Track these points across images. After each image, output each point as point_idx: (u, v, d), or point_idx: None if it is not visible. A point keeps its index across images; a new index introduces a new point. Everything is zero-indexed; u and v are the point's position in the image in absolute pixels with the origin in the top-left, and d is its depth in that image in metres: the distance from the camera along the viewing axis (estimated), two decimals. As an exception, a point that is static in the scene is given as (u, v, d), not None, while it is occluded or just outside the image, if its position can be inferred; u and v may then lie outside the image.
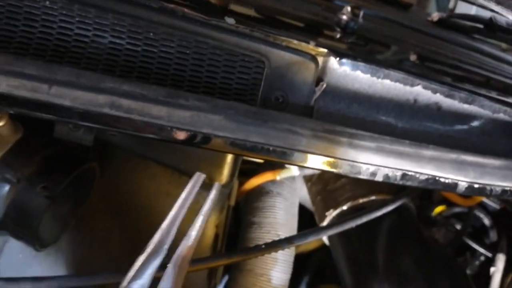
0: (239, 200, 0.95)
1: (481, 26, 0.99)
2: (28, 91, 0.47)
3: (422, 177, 0.59)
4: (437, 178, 0.60)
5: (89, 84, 0.48)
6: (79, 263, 0.81)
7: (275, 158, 0.54)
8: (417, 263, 0.73)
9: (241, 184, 0.94)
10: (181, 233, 0.48)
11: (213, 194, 0.47)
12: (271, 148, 0.53)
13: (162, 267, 0.43)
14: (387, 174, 0.58)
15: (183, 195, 0.45)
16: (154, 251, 0.43)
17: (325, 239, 0.87)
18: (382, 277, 0.70)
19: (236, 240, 0.93)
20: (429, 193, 1.17)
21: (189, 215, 0.48)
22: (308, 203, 1.00)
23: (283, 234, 0.87)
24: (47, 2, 0.53)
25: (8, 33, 0.52)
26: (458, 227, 1.14)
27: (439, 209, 1.16)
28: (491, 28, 0.97)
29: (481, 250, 1.11)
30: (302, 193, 0.99)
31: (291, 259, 0.87)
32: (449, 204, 1.15)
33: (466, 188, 0.62)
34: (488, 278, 1.06)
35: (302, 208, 1.02)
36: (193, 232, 0.45)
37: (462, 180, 0.61)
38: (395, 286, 0.69)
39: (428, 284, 0.70)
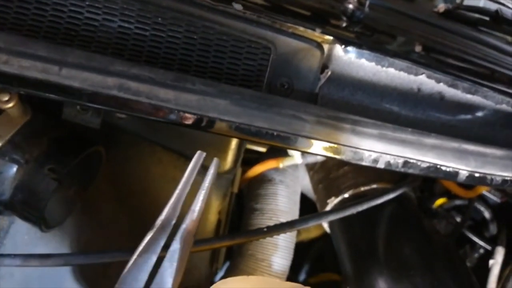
0: (242, 187, 0.96)
1: (487, 18, 1.00)
2: (39, 72, 0.48)
3: (424, 165, 0.60)
4: (438, 166, 0.61)
5: (98, 66, 0.49)
6: (84, 245, 0.82)
7: (279, 143, 0.55)
8: (417, 251, 0.74)
9: (244, 172, 0.96)
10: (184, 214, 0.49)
11: (212, 168, 0.48)
12: (275, 133, 0.54)
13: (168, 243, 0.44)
14: (389, 161, 0.59)
15: (187, 172, 0.47)
16: (161, 227, 0.44)
17: (326, 226, 0.88)
18: (382, 264, 0.71)
19: (239, 226, 0.95)
20: (430, 185, 1.18)
21: (190, 198, 0.49)
22: (310, 192, 1.01)
23: (285, 220, 0.88)
24: (58, -14, 0.53)
25: (21, 16, 0.53)
26: (459, 219, 1.15)
27: (440, 201, 1.16)
28: (497, 20, 0.97)
29: (481, 242, 1.12)
30: (304, 182, 1.00)
31: (292, 245, 0.89)
32: (450, 196, 1.16)
33: (467, 177, 0.63)
34: (487, 270, 1.07)
35: (304, 198, 1.03)
36: (197, 207, 0.46)
37: (463, 169, 0.62)
38: (395, 273, 0.70)
39: (428, 271, 0.71)
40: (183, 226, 0.45)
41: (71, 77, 0.49)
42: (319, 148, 0.57)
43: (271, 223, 0.86)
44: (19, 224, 0.79)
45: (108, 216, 0.84)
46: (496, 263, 1.06)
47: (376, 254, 0.72)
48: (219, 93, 0.53)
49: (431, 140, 0.59)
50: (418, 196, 1.14)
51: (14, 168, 0.63)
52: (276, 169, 0.93)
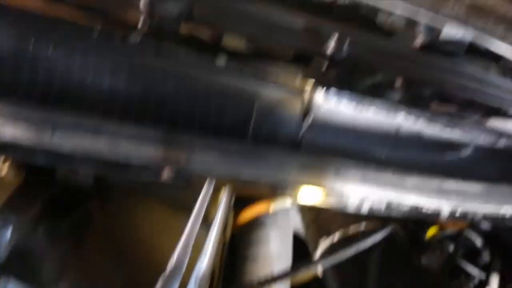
0: (234, 233, 0.97)
1: (462, 49, 1.04)
2: (31, 138, 0.50)
3: (407, 206, 0.62)
4: (420, 207, 0.63)
5: (89, 129, 0.52)
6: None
7: (266, 191, 0.57)
8: (403, 283, 0.74)
9: (236, 214, 0.96)
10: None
11: (224, 199, 0.48)
12: (261, 182, 0.56)
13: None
14: (372, 203, 0.61)
15: (196, 207, 0.47)
16: (173, 271, 0.44)
17: (319, 270, 0.89)
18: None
19: (232, 274, 0.94)
20: (422, 218, 1.20)
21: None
22: (302, 231, 1.02)
23: (278, 266, 0.89)
24: (50, 50, 0.56)
25: (14, 80, 0.56)
26: (452, 248, 1.16)
27: (432, 232, 1.18)
28: (472, 51, 1.02)
29: (475, 271, 1.13)
30: (296, 222, 1.01)
31: None
32: (442, 226, 1.18)
33: (450, 215, 0.65)
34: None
35: (297, 237, 1.04)
36: (209, 248, 0.46)
37: (445, 208, 0.64)
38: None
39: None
40: (197, 269, 0.44)
41: (63, 142, 0.51)
42: (305, 194, 0.58)
43: (263, 271, 0.86)
44: (15, 285, 0.78)
45: (103, 271, 0.84)
46: (492, 292, 1.07)
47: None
48: (206, 147, 0.55)
49: (412, 181, 0.62)
50: (411, 229, 1.15)
51: (9, 231, 0.64)
52: (267, 213, 0.94)
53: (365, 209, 0.60)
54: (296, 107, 0.64)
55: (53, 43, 0.56)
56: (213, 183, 0.50)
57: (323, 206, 0.60)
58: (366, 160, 0.61)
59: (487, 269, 1.13)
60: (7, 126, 0.50)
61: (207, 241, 0.47)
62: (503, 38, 0.53)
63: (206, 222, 0.86)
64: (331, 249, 0.82)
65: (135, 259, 0.85)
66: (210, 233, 0.48)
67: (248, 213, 0.94)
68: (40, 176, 0.67)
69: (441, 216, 0.64)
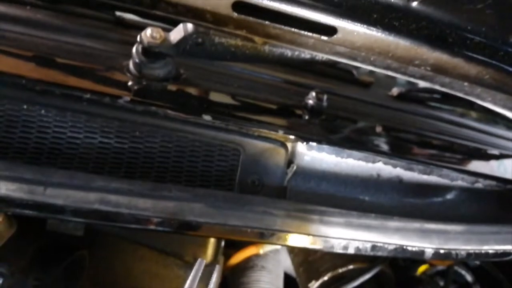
0: (225, 275, 0.98)
1: (438, 96, 1.10)
2: (25, 194, 0.52)
3: (391, 247, 0.64)
4: (404, 247, 0.65)
5: (80, 184, 0.54)
6: None
7: (254, 239, 0.59)
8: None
9: (227, 256, 0.97)
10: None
11: (194, 270, 0.50)
12: (249, 230, 0.58)
13: None
14: (358, 247, 0.63)
15: (188, 282, 0.48)
16: None
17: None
18: None
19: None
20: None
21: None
22: (293, 271, 1.03)
23: (269, 307, 0.90)
24: (43, 111, 0.59)
25: (8, 140, 0.58)
26: (442, 284, 1.17)
27: (422, 268, 1.19)
28: (447, 97, 1.07)
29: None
30: (286, 263, 1.02)
31: None
32: (432, 263, 1.19)
33: (433, 254, 0.67)
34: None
35: (288, 276, 1.05)
36: None
37: (428, 247, 0.66)
38: None
39: None
40: None
41: (55, 196, 0.53)
42: (291, 240, 0.60)
43: (255, 312, 0.87)
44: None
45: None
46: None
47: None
48: (194, 197, 0.57)
49: (394, 223, 0.64)
50: (401, 265, 1.16)
51: (0, 281, 0.65)
52: (257, 255, 0.96)
53: (351, 250, 0.62)
54: (280, 157, 0.67)
55: (45, 105, 0.59)
56: (204, 262, 0.52)
57: (311, 248, 0.62)
58: (349, 204, 0.63)
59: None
60: (1, 183, 0.52)
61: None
62: (468, 94, 0.57)
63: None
64: (321, 290, 0.83)
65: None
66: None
67: (239, 255, 0.96)
68: (31, 227, 0.68)
69: (425, 256, 0.66)
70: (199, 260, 0.50)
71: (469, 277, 1.19)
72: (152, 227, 0.56)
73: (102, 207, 0.54)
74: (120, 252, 0.83)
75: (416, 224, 0.66)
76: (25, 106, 0.59)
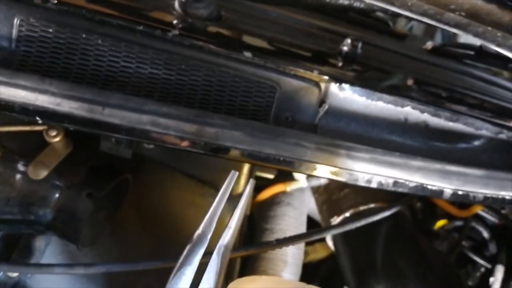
0: (253, 210, 1.05)
1: (472, 53, 1.10)
2: (86, 112, 0.59)
3: (412, 184, 0.69)
4: (424, 185, 0.69)
5: (134, 106, 0.60)
6: (112, 259, 0.90)
7: (285, 167, 0.65)
8: (411, 263, 0.81)
9: (254, 197, 1.05)
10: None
11: (248, 189, 0.56)
12: (281, 159, 0.64)
13: (206, 255, 0.51)
14: (380, 181, 0.68)
15: (222, 189, 0.54)
16: (198, 240, 0.51)
17: (331, 244, 0.96)
18: (380, 275, 0.79)
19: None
20: (431, 207, 1.26)
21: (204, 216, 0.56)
22: (315, 214, 1.10)
23: (293, 238, 0.97)
24: (99, 41, 0.65)
25: (68, 65, 0.65)
26: (458, 238, 1.22)
27: (440, 223, 1.24)
28: (481, 54, 1.08)
29: (481, 261, 1.18)
30: (310, 205, 1.09)
31: (300, 262, 0.96)
32: (450, 218, 1.24)
33: (451, 195, 0.71)
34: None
35: (310, 220, 1.12)
36: (233, 223, 0.53)
37: (447, 187, 0.70)
38: (390, 283, 0.78)
39: (420, 281, 0.78)
40: (221, 241, 0.51)
41: (112, 116, 0.60)
42: (319, 171, 0.66)
43: (280, 240, 0.95)
44: (54, 245, 0.88)
45: (133, 239, 0.93)
46: (496, 281, 1.13)
47: (375, 267, 0.80)
48: (234, 125, 0.63)
49: (417, 162, 0.69)
50: (419, 218, 1.21)
51: (57, 194, 0.73)
52: (284, 193, 1.02)
53: (374, 184, 0.67)
54: (313, 96, 0.71)
55: (102, 35, 0.64)
56: (237, 173, 0.57)
57: (336, 184, 0.67)
58: (376, 145, 0.67)
59: (493, 261, 1.19)
60: (65, 101, 0.59)
61: (232, 218, 0.54)
62: (500, 45, 0.59)
63: (231, 200, 0.95)
64: (343, 223, 0.89)
65: (164, 229, 0.94)
66: (235, 210, 0.55)
67: (267, 192, 1.03)
68: (85, 147, 0.76)
69: (444, 195, 0.70)
70: (232, 171, 0.55)
71: (486, 234, 1.23)
72: (196, 149, 0.62)
73: (153, 128, 0.60)
74: (160, 179, 0.91)
75: (438, 165, 0.70)
76: (84, 35, 0.65)
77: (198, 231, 0.52)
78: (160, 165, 0.88)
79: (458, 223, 1.24)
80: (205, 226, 0.53)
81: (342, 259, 0.89)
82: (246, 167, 0.91)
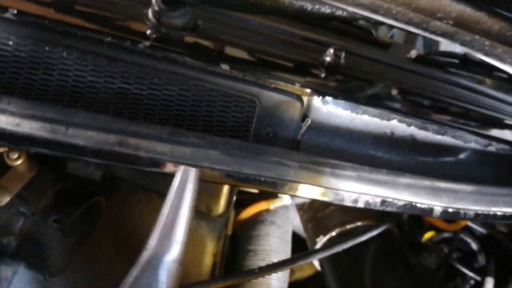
0: (235, 228, 1.01)
1: (456, 61, 1.08)
2: (47, 133, 0.54)
3: (400, 203, 0.65)
4: (413, 203, 0.66)
5: (101, 125, 0.55)
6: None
7: (266, 187, 0.61)
8: (400, 283, 0.77)
9: (237, 213, 1.00)
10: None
11: (190, 181, 0.52)
12: (262, 179, 0.60)
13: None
14: (367, 201, 0.64)
15: (170, 191, 0.50)
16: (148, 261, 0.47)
17: (316, 264, 0.92)
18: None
19: (233, 267, 0.98)
20: (419, 220, 1.23)
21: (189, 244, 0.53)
22: (301, 230, 1.06)
23: (277, 260, 0.92)
24: (64, 53, 0.60)
25: (30, 81, 0.60)
26: (447, 251, 1.19)
27: (428, 235, 1.21)
28: (465, 62, 1.06)
29: (470, 274, 1.16)
30: (295, 221, 1.05)
31: (285, 285, 0.92)
32: (438, 230, 1.21)
33: (441, 213, 0.68)
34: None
35: (296, 236, 1.08)
36: (180, 236, 0.48)
37: (437, 205, 0.67)
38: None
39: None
40: (168, 257, 0.47)
41: (77, 136, 0.54)
42: (303, 191, 0.62)
43: (264, 263, 0.90)
44: (22, 274, 0.82)
45: (107, 262, 0.88)
46: (487, 294, 1.10)
47: (362, 284, 0.76)
48: (210, 144, 0.58)
49: (405, 180, 0.65)
50: (407, 231, 1.18)
51: (21, 220, 0.68)
52: (267, 211, 0.98)
53: (361, 204, 0.63)
54: (295, 110, 0.67)
55: (67, 47, 0.60)
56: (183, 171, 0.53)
57: (321, 201, 0.63)
58: (361, 161, 0.64)
59: (482, 272, 1.16)
60: (25, 121, 0.54)
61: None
62: (488, 55, 0.57)
63: (211, 221, 0.91)
64: (329, 244, 0.85)
65: (138, 252, 0.88)
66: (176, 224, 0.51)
67: (249, 211, 0.98)
68: (51, 169, 0.70)
69: (434, 214, 0.67)
70: (182, 167, 0.51)
71: (474, 246, 1.20)
72: (169, 171, 0.57)
73: (121, 150, 0.55)
74: (134, 201, 0.86)
75: (427, 182, 0.66)
76: (47, 48, 0.60)
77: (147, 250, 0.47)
78: (134, 186, 0.83)
79: (446, 234, 1.21)
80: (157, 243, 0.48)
81: (329, 281, 0.85)
82: (226, 186, 0.87)
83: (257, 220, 0.96)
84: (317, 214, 0.91)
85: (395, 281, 0.78)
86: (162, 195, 0.86)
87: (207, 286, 0.63)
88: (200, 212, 0.85)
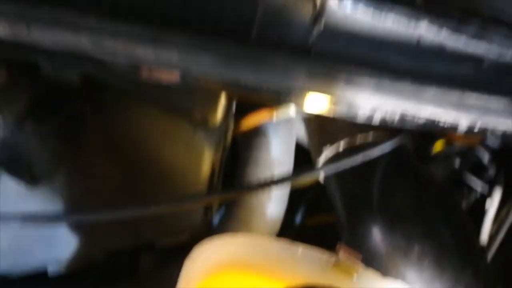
0: (235, 137, 0.94)
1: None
2: (7, 33, 0.44)
3: (422, 119, 0.58)
4: (437, 118, 0.58)
5: (71, 22, 0.45)
6: (76, 197, 0.81)
7: (269, 98, 0.53)
8: (411, 201, 0.73)
9: (237, 121, 0.93)
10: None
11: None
12: (264, 88, 0.51)
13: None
14: (384, 117, 0.56)
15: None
16: None
17: (321, 178, 0.87)
18: (376, 213, 0.71)
19: (233, 176, 0.94)
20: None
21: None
22: (305, 141, 0.99)
23: (279, 172, 0.87)
24: None
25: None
26: (458, 163, 1.14)
27: (439, 146, 1.15)
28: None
29: (478, 185, 1.12)
30: (299, 132, 0.98)
31: (286, 193, 0.88)
32: (450, 141, 1.15)
33: (467, 129, 0.60)
34: (483, 212, 1.08)
35: (299, 146, 1.01)
36: None
37: (463, 121, 0.59)
38: (388, 223, 0.70)
39: (421, 220, 0.71)
40: None
41: (41, 36, 0.45)
42: (311, 103, 0.54)
43: (265, 174, 0.85)
44: (8, 180, 0.77)
45: (100, 171, 0.83)
46: (492, 205, 1.07)
47: (371, 204, 0.72)
48: (203, 47, 0.49)
49: (431, 91, 0.56)
50: (417, 142, 1.12)
51: (-6, 129, 0.61)
52: (270, 121, 0.91)
53: (376, 120, 0.56)
54: (306, 11, 0.56)
55: None
56: None
57: (331, 115, 0.55)
58: (381, 70, 0.54)
59: (491, 184, 1.12)
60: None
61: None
62: None
63: (208, 132, 0.84)
64: (335, 158, 0.79)
65: (134, 160, 0.83)
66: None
67: (251, 120, 0.91)
68: (24, 75, 0.62)
69: (458, 129, 0.59)
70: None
71: (486, 158, 1.15)
72: (152, 78, 0.48)
73: (95, 53, 0.46)
74: (124, 108, 0.78)
75: (455, 95, 0.58)
76: None
77: None
78: (124, 93, 0.75)
79: (458, 146, 1.15)
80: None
81: (332, 192, 0.80)
82: (224, 94, 0.78)
83: (258, 131, 0.90)
84: (324, 126, 0.83)
85: (404, 197, 0.74)
86: (153, 103, 0.79)
87: (207, 198, 0.58)
88: (196, 123, 0.78)
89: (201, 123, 0.80)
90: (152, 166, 0.83)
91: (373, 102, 0.54)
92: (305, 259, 0.45)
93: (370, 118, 0.55)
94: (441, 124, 0.59)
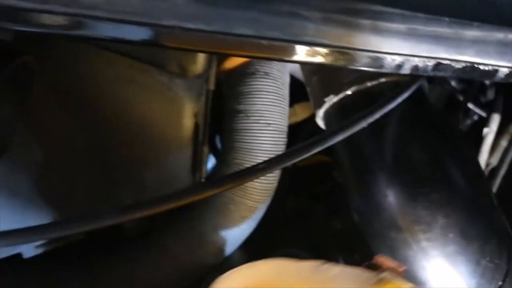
0: (219, 80, 0.80)
1: None
2: None
3: (459, 65, 0.46)
4: (476, 65, 0.47)
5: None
6: (40, 166, 0.69)
7: (272, 55, 0.40)
8: (430, 156, 0.62)
9: (221, 61, 0.78)
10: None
11: None
12: (265, 43, 0.38)
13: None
14: (416, 65, 0.44)
15: None
16: None
17: (321, 124, 0.75)
18: (392, 175, 0.60)
19: (220, 128, 0.82)
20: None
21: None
22: (298, 72, 0.85)
23: (273, 122, 0.75)
24: None
25: None
26: (454, 84, 1.04)
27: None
28: None
29: (476, 109, 1.03)
30: (294, 67, 0.84)
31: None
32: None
33: (507, 75, 0.49)
34: (480, 138, 1.00)
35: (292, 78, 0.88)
36: None
37: (504, 66, 0.48)
38: (406, 187, 0.59)
39: (444, 180, 0.61)
40: None
41: None
42: (326, 57, 0.41)
43: (258, 127, 0.73)
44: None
45: (61, 133, 0.69)
46: (490, 132, 0.99)
47: (384, 163, 0.61)
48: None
49: (472, 32, 0.44)
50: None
51: None
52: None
53: (406, 70, 0.44)
54: None
55: None
56: None
57: (350, 66, 0.43)
58: (413, 9, 0.42)
59: (489, 108, 1.04)
60: None
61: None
62: None
63: (187, 81, 0.70)
64: (341, 106, 0.67)
65: (99, 114, 0.70)
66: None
67: (236, 59, 0.76)
68: None
69: (497, 76, 0.49)
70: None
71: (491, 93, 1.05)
72: (105, 36, 0.34)
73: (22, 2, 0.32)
74: (81, 55, 0.63)
75: (499, 35, 0.46)
76: None
77: None
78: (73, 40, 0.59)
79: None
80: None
81: (337, 146, 0.68)
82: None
83: (246, 71, 0.75)
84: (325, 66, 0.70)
85: (424, 149, 0.62)
86: (117, 52, 0.64)
87: (199, 193, 0.47)
88: (170, 72, 0.64)
89: (178, 73, 0.66)
90: (122, 117, 0.70)
91: (403, 51, 0.42)
92: (341, 279, 0.36)
93: (400, 67, 0.44)
94: (480, 71, 0.47)
